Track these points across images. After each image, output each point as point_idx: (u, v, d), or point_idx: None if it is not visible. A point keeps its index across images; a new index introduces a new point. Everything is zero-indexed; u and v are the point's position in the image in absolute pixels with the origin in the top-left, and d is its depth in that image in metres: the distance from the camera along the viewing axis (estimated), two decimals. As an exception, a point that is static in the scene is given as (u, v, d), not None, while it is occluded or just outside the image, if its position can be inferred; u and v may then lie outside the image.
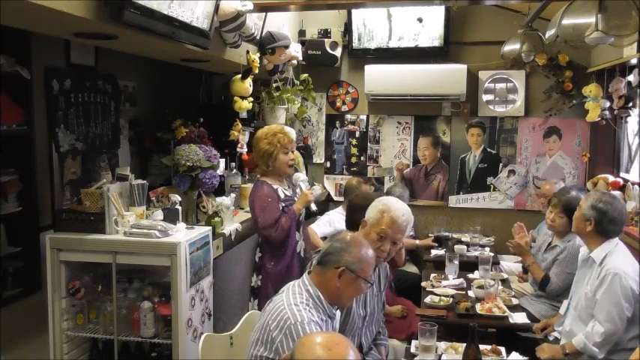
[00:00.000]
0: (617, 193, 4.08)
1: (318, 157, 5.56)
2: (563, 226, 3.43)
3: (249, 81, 3.69)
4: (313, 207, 3.29)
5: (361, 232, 2.43)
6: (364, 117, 5.47)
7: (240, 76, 3.63)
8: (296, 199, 3.29)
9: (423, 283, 3.52)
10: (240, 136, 4.00)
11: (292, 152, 3.29)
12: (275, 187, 3.21)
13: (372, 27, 5.11)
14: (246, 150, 4.07)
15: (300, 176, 3.35)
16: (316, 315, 1.98)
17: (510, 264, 4.37)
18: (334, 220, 4.23)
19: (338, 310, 2.21)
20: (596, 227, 2.73)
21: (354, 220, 2.92)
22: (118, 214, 2.74)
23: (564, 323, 2.91)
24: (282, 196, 3.21)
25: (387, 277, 2.78)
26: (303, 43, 5.04)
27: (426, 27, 5.01)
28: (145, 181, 2.93)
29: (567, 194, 3.51)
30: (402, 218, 2.42)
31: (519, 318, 3.02)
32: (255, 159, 3.43)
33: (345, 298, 2.10)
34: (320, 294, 2.02)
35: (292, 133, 3.32)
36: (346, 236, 2.12)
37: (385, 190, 4.93)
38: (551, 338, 3.05)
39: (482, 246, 4.56)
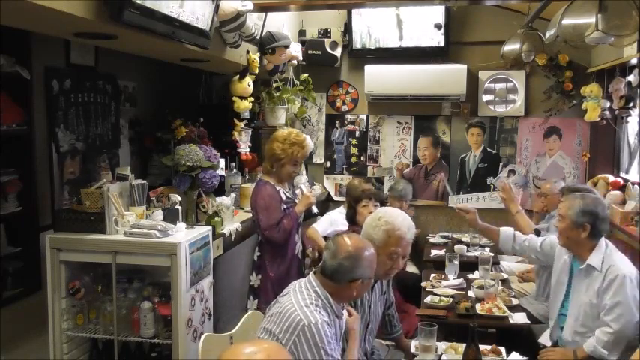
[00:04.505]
0: (616, 193, 4.09)
1: (318, 157, 5.56)
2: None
3: (248, 81, 3.69)
4: (315, 209, 3.31)
5: None
6: (364, 117, 5.47)
7: (238, 76, 3.63)
8: (297, 201, 3.30)
9: (423, 283, 3.52)
10: (239, 136, 4.00)
11: (300, 165, 3.28)
12: (277, 188, 3.21)
13: (378, 36, 5.08)
14: (247, 150, 4.07)
15: (302, 179, 3.35)
16: (325, 315, 2.01)
17: (510, 264, 4.36)
18: (335, 220, 4.22)
19: (345, 310, 2.24)
20: (592, 231, 2.68)
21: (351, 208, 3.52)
22: (118, 214, 2.74)
23: (563, 334, 2.83)
24: (283, 198, 3.22)
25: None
26: (303, 43, 5.03)
27: (427, 27, 4.99)
28: (145, 181, 2.93)
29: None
30: (409, 233, 2.40)
31: (519, 318, 3.01)
32: (263, 153, 3.42)
33: (358, 296, 2.26)
34: (328, 295, 2.06)
35: (309, 147, 3.28)
36: (347, 246, 2.08)
37: (389, 187, 4.92)
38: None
39: (482, 246, 4.55)
